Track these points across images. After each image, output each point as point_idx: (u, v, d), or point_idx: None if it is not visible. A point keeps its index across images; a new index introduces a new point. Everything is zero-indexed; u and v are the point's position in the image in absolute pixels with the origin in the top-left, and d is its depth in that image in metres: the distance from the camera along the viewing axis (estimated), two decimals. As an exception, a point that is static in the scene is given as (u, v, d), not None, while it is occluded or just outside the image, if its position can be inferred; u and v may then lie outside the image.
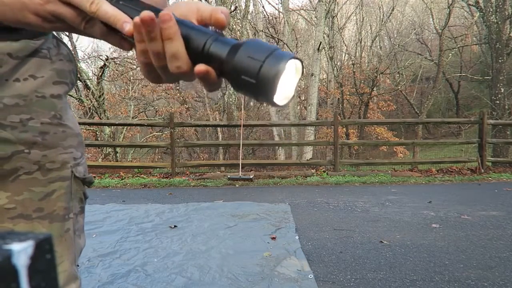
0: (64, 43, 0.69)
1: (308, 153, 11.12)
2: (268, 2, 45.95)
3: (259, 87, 0.38)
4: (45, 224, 0.64)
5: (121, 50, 0.51)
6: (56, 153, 0.65)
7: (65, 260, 0.68)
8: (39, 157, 0.63)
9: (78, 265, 0.72)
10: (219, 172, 7.62)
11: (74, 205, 0.69)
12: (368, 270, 2.46)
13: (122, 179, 6.84)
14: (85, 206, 0.74)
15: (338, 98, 18.10)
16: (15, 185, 0.62)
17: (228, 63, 0.39)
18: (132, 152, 14.06)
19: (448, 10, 14.71)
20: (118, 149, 11.37)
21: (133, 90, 15.34)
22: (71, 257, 0.69)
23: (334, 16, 17.11)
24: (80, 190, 0.71)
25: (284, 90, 0.40)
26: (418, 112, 16.73)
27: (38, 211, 0.64)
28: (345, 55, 20.48)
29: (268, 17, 18.27)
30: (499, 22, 10.65)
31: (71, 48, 0.55)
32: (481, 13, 11.51)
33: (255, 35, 13.68)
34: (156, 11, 0.41)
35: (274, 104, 0.40)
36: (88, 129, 12.21)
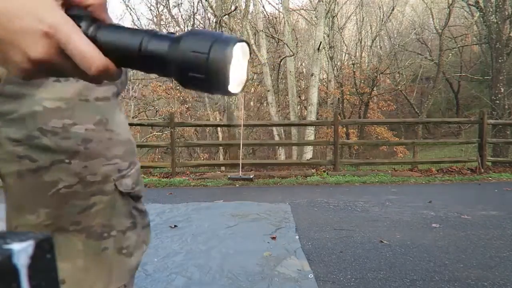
0: None
1: (308, 153, 11.11)
2: (268, 2, 45.96)
3: (210, 80, 0.36)
4: (81, 238, 0.60)
5: None
6: (98, 164, 0.59)
7: (98, 281, 0.62)
8: (79, 168, 0.58)
9: (125, 285, 0.65)
10: (219, 172, 7.62)
11: (119, 221, 0.63)
12: (368, 269, 2.46)
13: (122, 179, 6.84)
14: (140, 220, 0.67)
15: (338, 98, 18.09)
16: (55, 199, 0.57)
17: (170, 61, 0.37)
18: (132, 152, 14.03)
19: (448, 10, 14.69)
20: (118, 149, 11.35)
21: (133, 90, 15.35)
22: (106, 279, 0.62)
23: (334, 16, 17.10)
24: (127, 204, 0.65)
25: (236, 77, 0.38)
26: (418, 112, 16.71)
27: (75, 224, 0.59)
28: (345, 55, 20.47)
29: (268, 17, 18.26)
30: (499, 22, 10.64)
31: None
32: (481, 13, 11.50)
33: (255, 35, 13.67)
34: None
35: (229, 94, 0.38)
36: (88, 129, 12.17)
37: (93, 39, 0.37)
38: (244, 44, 0.38)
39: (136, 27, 0.39)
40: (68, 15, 0.36)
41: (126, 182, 0.64)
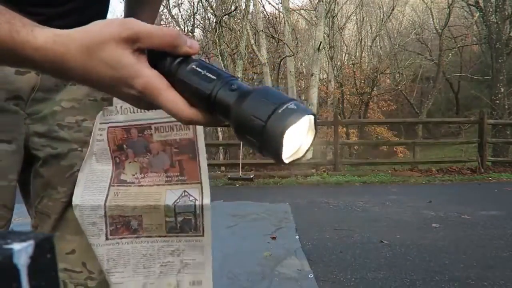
0: None
1: (308, 153, 11.11)
2: (268, 2, 45.87)
3: (263, 148, 0.36)
4: None
5: None
6: None
7: None
8: None
9: None
10: (219, 172, 7.62)
11: None
12: (368, 269, 2.46)
13: (122, 179, 6.84)
14: None
15: (338, 98, 18.09)
16: (71, 180, 0.70)
17: (232, 115, 0.37)
18: (132, 152, 14.05)
19: (448, 10, 14.70)
20: (118, 149, 11.36)
21: (133, 90, 15.34)
22: None
23: (334, 16, 17.09)
24: None
25: (292, 149, 0.37)
26: (418, 112, 16.71)
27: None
28: (345, 55, 20.46)
29: (268, 17, 18.26)
30: (499, 22, 10.64)
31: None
32: (481, 13, 11.50)
33: (255, 34, 13.68)
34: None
35: (282, 163, 0.37)
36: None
37: (174, 74, 0.39)
38: (311, 117, 0.37)
39: (217, 69, 0.40)
40: (153, 51, 0.39)
41: None
